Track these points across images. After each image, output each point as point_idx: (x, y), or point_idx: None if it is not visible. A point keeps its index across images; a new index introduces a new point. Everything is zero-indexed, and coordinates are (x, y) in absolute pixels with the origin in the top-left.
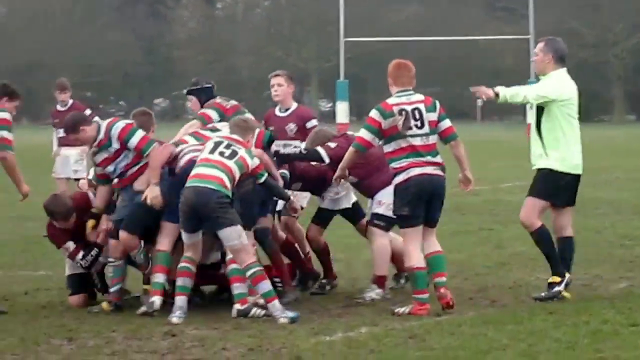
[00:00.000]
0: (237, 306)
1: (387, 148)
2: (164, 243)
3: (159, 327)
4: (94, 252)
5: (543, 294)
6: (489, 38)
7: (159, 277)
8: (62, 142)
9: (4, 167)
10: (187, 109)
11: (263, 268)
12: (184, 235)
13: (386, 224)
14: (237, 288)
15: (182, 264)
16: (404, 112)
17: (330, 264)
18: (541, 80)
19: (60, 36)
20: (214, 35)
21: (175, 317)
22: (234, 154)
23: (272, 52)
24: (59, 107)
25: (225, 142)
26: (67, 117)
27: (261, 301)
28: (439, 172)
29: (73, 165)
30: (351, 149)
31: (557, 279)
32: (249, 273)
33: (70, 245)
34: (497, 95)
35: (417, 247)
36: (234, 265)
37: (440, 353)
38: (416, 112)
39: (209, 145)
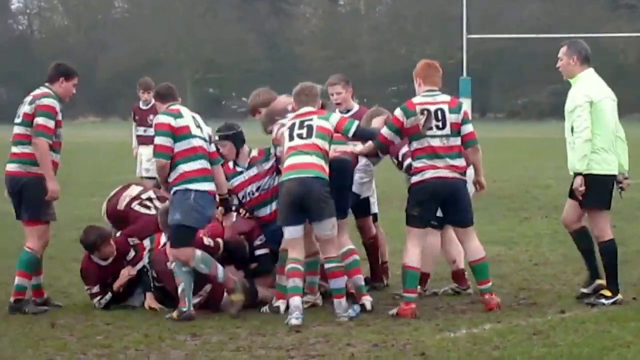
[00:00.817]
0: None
1: (410, 147)
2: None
3: (283, 323)
4: (107, 296)
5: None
6: (611, 36)
7: (284, 280)
8: (140, 140)
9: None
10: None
11: (343, 265)
12: (288, 232)
13: (439, 222)
14: (337, 282)
15: (290, 265)
16: (425, 112)
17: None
18: (572, 99)
19: (181, 32)
20: (336, 32)
21: (294, 318)
22: (310, 130)
23: (395, 49)
24: (141, 105)
25: (297, 122)
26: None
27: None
28: (456, 175)
29: (145, 163)
30: (371, 144)
31: None
32: (327, 266)
33: (96, 289)
34: (581, 174)
35: (416, 246)
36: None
37: (565, 350)
38: (439, 113)
39: (286, 134)
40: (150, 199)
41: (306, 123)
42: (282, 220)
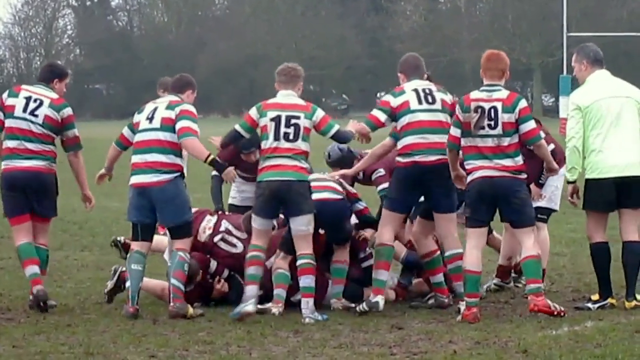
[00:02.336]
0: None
1: (462, 143)
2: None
3: (386, 320)
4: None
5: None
6: None
7: (383, 275)
8: None
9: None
10: None
11: (315, 263)
12: (259, 223)
13: (547, 216)
14: (461, 287)
15: (252, 253)
16: (479, 110)
17: None
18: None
19: (282, 29)
20: (436, 29)
21: (249, 305)
22: (297, 131)
23: (496, 47)
24: None
25: (283, 117)
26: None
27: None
28: (505, 174)
29: None
30: (451, 152)
31: None
32: (299, 262)
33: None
34: (570, 182)
35: (474, 248)
36: (460, 263)
37: None
38: (492, 112)
39: (271, 126)
40: (229, 232)
41: (293, 121)
42: (256, 209)
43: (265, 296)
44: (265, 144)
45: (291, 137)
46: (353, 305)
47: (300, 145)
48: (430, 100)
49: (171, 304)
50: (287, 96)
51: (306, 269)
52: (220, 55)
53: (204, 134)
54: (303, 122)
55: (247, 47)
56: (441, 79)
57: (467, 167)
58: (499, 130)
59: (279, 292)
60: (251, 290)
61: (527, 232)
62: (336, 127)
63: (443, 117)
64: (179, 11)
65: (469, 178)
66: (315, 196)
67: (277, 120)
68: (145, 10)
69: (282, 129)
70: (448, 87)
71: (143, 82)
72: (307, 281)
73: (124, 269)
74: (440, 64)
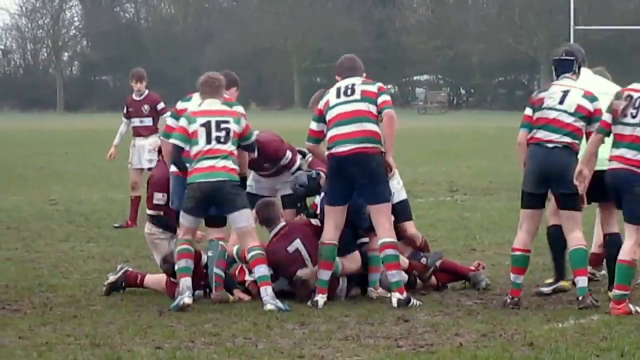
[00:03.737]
0: (397, 295)
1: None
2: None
3: (392, 312)
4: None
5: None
6: None
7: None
8: (136, 133)
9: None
10: None
11: (264, 252)
12: (187, 220)
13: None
14: (394, 276)
15: (183, 247)
16: (628, 99)
17: None
18: None
19: (289, 21)
20: (444, 21)
21: (186, 297)
22: (227, 134)
23: (502, 39)
24: (134, 97)
25: (213, 123)
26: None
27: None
28: (623, 166)
29: (147, 155)
30: (597, 136)
31: None
32: (248, 255)
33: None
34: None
35: (629, 238)
36: (389, 252)
37: None
38: (637, 101)
39: (201, 132)
40: None
41: (223, 126)
42: (186, 209)
43: None
44: (196, 148)
45: (222, 139)
46: (389, 295)
47: (230, 147)
48: (349, 92)
49: (213, 292)
50: (213, 104)
51: (258, 260)
52: (227, 47)
53: None
54: (232, 127)
55: (254, 39)
56: (448, 71)
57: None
58: (637, 119)
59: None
60: (185, 282)
61: (630, 229)
62: (254, 137)
63: (364, 106)
64: (186, 3)
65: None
66: None
67: (207, 125)
68: (152, 2)
69: (214, 133)
70: (455, 79)
71: (150, 73)
72: (261, 270)
73: (130, 268)
74: (447, 56)
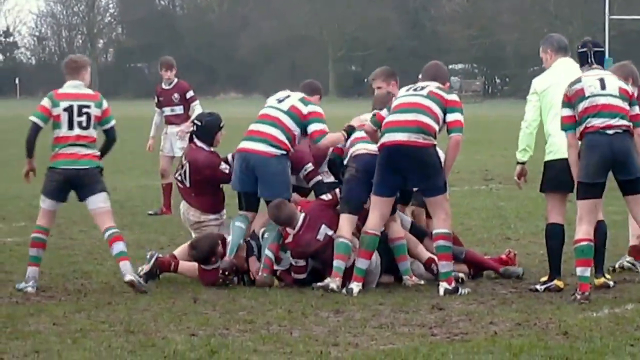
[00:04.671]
0: (445, 285)
1: None
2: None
3: (426, 300)
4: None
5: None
6: None
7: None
8: (169, 120)
9: None
10: None
11: (119, 231)
12: (47, 204)
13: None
14: (445, 266)
15: (36, 235)
16: None
17: None
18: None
19: (324, 10)
20: (478, 11)
21: (29, 287)
22: (88, 119)
23: (537, 29)
24: (163, 85)
25: (75, 107)
26: None
27: (461, 274)
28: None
29: (180, 143)
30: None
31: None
32: (107, 234)
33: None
34: (520, 162)
35: None
36: (442, 242)
37: None
38: None
39: (64, 117)
40: None
41: (84, 110)
42: (47, 192)
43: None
44: (59, 133)
45: (84, 124)
46: (423, 282)
47: (92, 132)
48: (418, 90)
49: (259, 273)
50: (76, 87)
51: (116, 237)
52: (262, 35)
53: (246, 114)
54: (93, 111)
55: (289, 28)
56: (483, 60)
57: None
58: None
59: (338, 264)
60: (32, 271)
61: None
62: (113, 122)
63: (426, 102)
64: None
65: None
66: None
67: (69, 110)
68: None
69: (76, 118)
70: (489, 69)
71: (185, 61)
72: (119, 247)
73: (160, 255)
74: (482, 45)
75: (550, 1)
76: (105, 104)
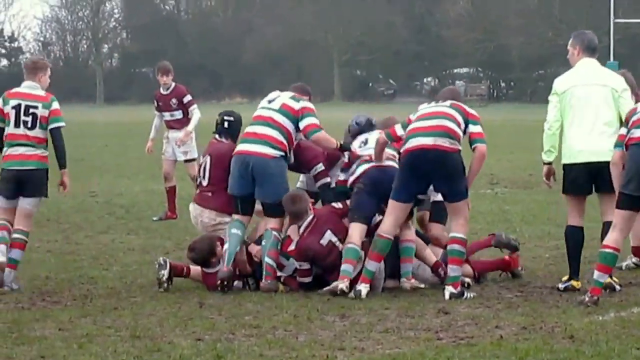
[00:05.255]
0: (450, 289)
1: None
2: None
3: (432, 305)
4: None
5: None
6: None
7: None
8: (169, 125)
9: None
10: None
11: (26, 239)
12: (3, 202)
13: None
14: (454, 271)
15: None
16: None
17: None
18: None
19: (329, 14)
20: (483, 15)
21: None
22: (34, 119)
23: (542, 33)
24: (162, 91)
25: (23, 106)
26: None
27: (467, 280)
28: None
29: (182, 147)
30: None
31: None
32: (14, 236)
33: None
34: (546, 163)
35: None
36: (455, 247)
37: None
38: None
39: (12, 116)
40: None
41: (31, 110)
42: (1, 190)
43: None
44: (7, 130)
45: (29, 125)
46: (422, 285)
47: (38, 133)
48: (439, 102)
49: (263, 280)
50: (29, 87)
51: (18, 244)
52: (267, 40)
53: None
54: (40, 112)
55: (294, 32)
56: (488, 64)
57: None
58: None
59: (346, 267)
60: None
61: None
62: (58, 124)
63: (449, 110)
64: None
65: None
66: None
67: (17, 108)
68: None
69: (22, 117)
70: (494, 73)
71: (189, 66)
72: (17, 253)
73: (168, 260)
74: (487, 49)
75: (555, 5)
76: (54, 106)
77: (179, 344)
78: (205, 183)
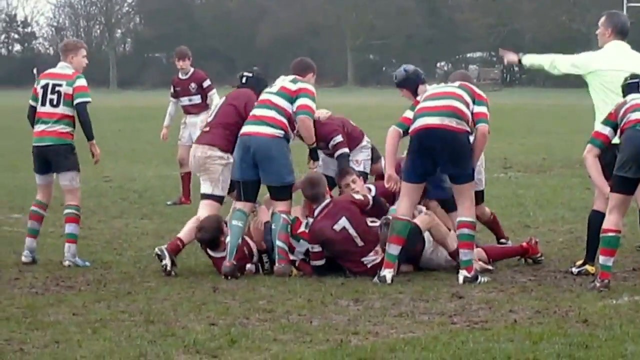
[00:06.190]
0: (464, 273)
1: None
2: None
3: (446, 289)
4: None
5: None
6: None
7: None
8: (187, 110)
9: None
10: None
11: (79, 213)
12: (38, 177)
13: None
14: (466, 255)
15: (33, 208)
16: None
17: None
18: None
19: None
20: None
21: (24, 256)
22: (59, 97)
23: (555, 17)
24: (180, 76)
25: (50, 85)
26: None
27: (479, 264)
28: None
29: (199, 132)
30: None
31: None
32: (65, 212)
33: (252, 267)
34: (520, 61)
35: None
36: (465, 230)
37: None
38: None
39: (41, 93)
40: None
41: (56, 89)
42: (34, 168)
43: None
44: (37, 108)
45: (55, 102)
46: (491, 267)
47: (62, 110)
48: (448, 83)
49: (276, 264)
50: (60, 67)
51: (71, 218)
52: (280, 24)
53: None
54: (64, 89)
55: (308, 17)
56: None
57: None
58: None
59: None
60: (29, 242)
61: None
62: (84, 99)
63: (458, 90)
64: None
65: None
66: None
67: (45, 87)
68: None
69: (48, 96)
70: None
71: (203, 50)
72: (71, 228)
73: (164, 247)
74: (500, 33)
75: None
76: (78, 82)
77: (192, 328)
78: (212, 119)
